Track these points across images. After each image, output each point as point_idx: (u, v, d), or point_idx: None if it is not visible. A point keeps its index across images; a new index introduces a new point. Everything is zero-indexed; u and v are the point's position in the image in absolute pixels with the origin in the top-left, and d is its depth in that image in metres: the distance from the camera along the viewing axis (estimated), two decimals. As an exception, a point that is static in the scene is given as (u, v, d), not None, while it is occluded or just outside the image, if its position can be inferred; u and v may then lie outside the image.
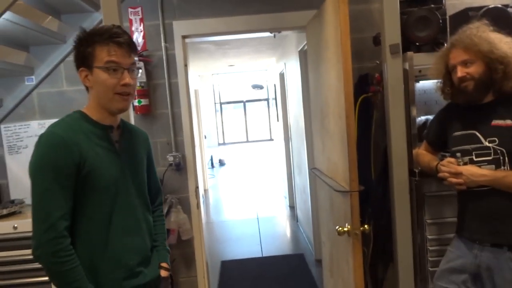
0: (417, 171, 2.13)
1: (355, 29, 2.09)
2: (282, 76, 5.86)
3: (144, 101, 2.83)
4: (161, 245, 1.58)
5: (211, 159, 10.96)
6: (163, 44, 2.82)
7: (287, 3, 2.82)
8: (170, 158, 2.89)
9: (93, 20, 2.78)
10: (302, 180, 4.71)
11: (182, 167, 2.94)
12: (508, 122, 1.67)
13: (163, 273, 1.54)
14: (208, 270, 3.31)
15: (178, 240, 2.90)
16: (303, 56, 3.87)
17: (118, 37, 1.31)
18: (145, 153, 1.53)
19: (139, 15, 2.78)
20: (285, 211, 6.31)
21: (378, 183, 2.42)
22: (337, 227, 2.09)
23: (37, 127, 2.85)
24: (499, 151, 1.66)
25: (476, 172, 1.68)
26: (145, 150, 1.54)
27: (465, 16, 2.38)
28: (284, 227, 5.66)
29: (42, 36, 2.58)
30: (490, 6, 2.35)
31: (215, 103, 14.84)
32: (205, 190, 8.00)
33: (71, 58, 2.80)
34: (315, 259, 4.12)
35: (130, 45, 1.33)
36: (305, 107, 3.97)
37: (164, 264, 1.56)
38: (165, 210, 2.61)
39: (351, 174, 2.02)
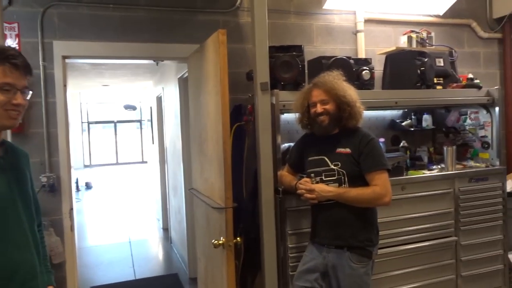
0: (281, 189, 2.51)
1: (231, 65, 2.38)
2: (159, 99, 5.97)
3: (16, 119, 2.71)
4: (45, 267, 1.59)
5: (76, 182, 10.26)
6: (41, 62, 2.76)
7: (171, 36, 3.04)
8: (44, 179, 2.80)
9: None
10: (178, 201, 4.84)
11: (56, 188, 2.86)
12: (348, 150, 2.14)
13: None
14: (80, 295, 3.22)
15: (49, 264, 2.78)
16: (182, 83, 4.10)
17: (14, 59, 1.33)
18: (27, 171, 1.56)
19: (15, 31, 2.69)
20: (158, 234, 6.31)
21: (249, 201, 2.75)
22: (213, 240, 2.33)
23: None
24: (341, 173, 2.12)
25: (325, 188, 2.10)
26: (28, 168, 1.57)
27: (319, 62, 2.92)
28: (157, 249, 5.68)
29: None
30: (338, 57, 2.94)
31: (82, 122, 14.00)
32: (70, 215, 7.45)
33: None
34: (189, 278, 4.26)
35: (26, 68, 1.37)
36: (183, 130, 4.12)
37: (50, 287, 1.58)
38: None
39: (226, 192, 2.30)
